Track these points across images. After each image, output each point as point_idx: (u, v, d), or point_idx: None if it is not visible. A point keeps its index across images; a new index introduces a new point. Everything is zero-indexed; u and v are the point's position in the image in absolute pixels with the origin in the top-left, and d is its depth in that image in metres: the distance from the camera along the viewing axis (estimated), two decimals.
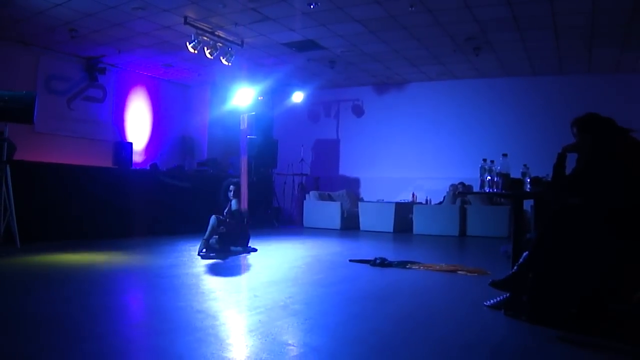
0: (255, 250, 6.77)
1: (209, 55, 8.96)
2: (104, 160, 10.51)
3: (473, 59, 9.95)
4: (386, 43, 9.32)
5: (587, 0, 6.98)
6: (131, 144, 11.12)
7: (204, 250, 6.25)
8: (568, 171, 3.49)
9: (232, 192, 6.80)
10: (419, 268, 5.54)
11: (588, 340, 2.93)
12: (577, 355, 2.76)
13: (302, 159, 13.06)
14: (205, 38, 8.77)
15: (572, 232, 3.21)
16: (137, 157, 11.33)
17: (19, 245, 6.24)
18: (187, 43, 8.62)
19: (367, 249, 7.49)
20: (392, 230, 10.67)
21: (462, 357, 2.65)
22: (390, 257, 6.00)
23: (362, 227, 11.14)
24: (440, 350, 2.73)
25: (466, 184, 10.65)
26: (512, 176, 4.12)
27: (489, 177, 4.20)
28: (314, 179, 12.97)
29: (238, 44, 9.32)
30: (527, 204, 6.85)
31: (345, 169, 13.22)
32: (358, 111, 13.11)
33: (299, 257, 6.60)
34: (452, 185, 10.92)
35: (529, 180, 4.11)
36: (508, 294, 3.45)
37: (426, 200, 11.56)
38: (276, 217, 12.18)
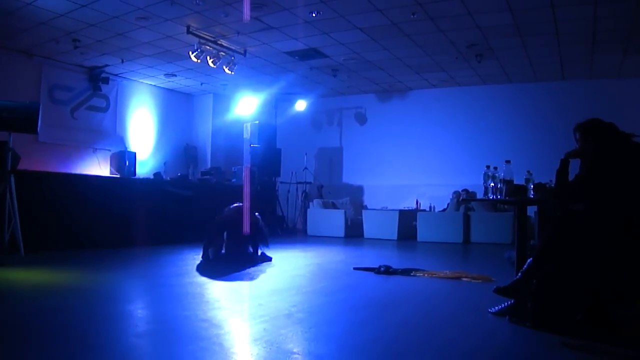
0: (269, 259, 6.59)
1: (211, 64, 9.02)
2: (107, 169, 10.56)
3: (475, 65, 9.96)
4: (388, 51, 9.35)
5: (589, 7, 7.00)
6: (135, 153, 11.15)
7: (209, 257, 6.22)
8: (571, 177, 3.49)
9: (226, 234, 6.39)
10: (424, 275, 5.52)
11: (592, 346, 2.91)
12: None
13: (305, 168, 13.07)
14: (208, 47, 8.82)
15: (576, 238, 3.20)
16: (141, 167, 11.35)
17: (23, 254, 6.28)
18: (190, 52, 8.68)
19: (371, 257, 7.47)
20: (396, 238, 10.64)
21: None
22: (395, 264, 5.97)
23: (366, 234, 11.11)
24: (445, 358, 2.72)
25: (470, 190, 10.65)
26: (515, 182, 4.12)
27: (492, 184, 4.20)
28: (318, 187, 12.97)
29: (241, 53, 9.37)
30: (531, 210, 6.82)
31: (349, 177, 13.23)
32: (361, 119, 13.14)
33: (303, 265, 6.59)
34: (456, 192, 10.91)
35: (532, 186, 4.10)
36: (512, 301, 3.44)
37: (430, 208, 11.54)
38: (280, 226, 12.17)
